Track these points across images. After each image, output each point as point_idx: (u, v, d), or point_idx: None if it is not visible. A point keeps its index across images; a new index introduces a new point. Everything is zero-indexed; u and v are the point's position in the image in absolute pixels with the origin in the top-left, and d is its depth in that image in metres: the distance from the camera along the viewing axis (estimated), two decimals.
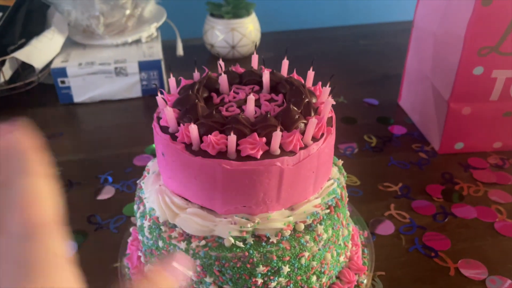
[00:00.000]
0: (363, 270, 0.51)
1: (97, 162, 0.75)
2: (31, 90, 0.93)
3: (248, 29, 1.07)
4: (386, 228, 0.60)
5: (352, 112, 0.89)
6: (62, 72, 0.88)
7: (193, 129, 0.40)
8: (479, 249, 0.57)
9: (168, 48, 1.07)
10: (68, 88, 0.90)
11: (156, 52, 0.95)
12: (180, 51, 1.06)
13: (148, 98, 0.95)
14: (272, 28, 1.27)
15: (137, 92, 0.94)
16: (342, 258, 0.50)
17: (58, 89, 0.90)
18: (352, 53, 1.16)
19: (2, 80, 0.85)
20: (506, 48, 0.65)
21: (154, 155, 0.76)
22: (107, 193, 0.67)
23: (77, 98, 0.92)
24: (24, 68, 0.90)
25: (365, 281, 0.51)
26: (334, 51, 1.17)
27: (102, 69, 0.89)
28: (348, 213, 0.51)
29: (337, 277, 0.50)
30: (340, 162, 0.53)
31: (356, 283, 0.51)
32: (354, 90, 0.96)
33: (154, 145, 0.78)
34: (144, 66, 0.91)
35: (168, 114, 0.42)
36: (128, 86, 0.92)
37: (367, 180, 0.69)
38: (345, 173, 0.52)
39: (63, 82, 0.89)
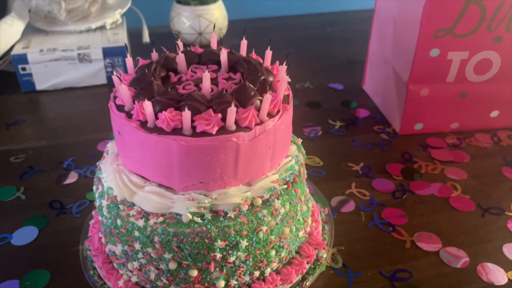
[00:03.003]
0: (322, 245, 0.53)
1: (60, 148, 0.74)
2: None
3: (215, 16, 1.07)
4: (347, 205, 0.62)
5: (317, 97, 0.90)
6: (23, 58, 0.86)
7: (148, 105, 0.40)
8: (434, 222, 0.59)
9: (134, 35, 1.06)
10: (30, 75, 0.88)
11: (121, 38, 0.94)
12: (146, 38, 1.05)
13: (113, 85, 0.93)
14: (240, 16, 1.27)
15: (102, 79, 0.93)
16: (301, 233, 0.51)
17: (19, 76, 0.88)
18: (318, 40, 1.18)
19: None
20: (461, 31, 0.67)
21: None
22: (70, 178, 0.67)
23: (39, 86, 0.90)
24: None
25: (324, 255, 0.53)
26: (300, 38, 1.18)
27: (65, 55, 0.88)
28: (307, 190, 0.53)
29: (297, 252, 0.51)
30: (300, 140, 0.54)
31: (315, 258, 0.52)
32: (320, 76, 0.98)
33: None
34: (109, 52, 0.90)
35: (123, 92, 0.42)
36: (93, 73, 0.91)
37: (330, 161, 0.71)
38: (304, 151, 0.53)
39: (24, 69, 0.87)
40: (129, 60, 0.49)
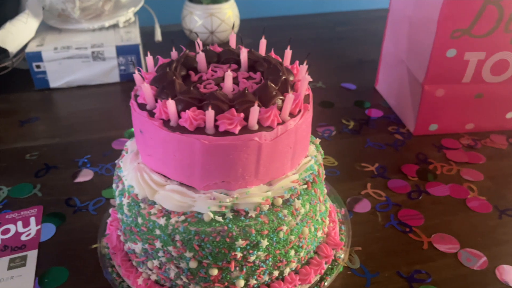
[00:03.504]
0: (340, 245, 0.53)
1: (75, 146, 0.74)
2: (5, 75, 0.91)
3: (227, 15, 1.07)
4: (363, 206, 0.62)
5: (330, 97, 0.90)
6: (37, 56, 0.87)
7: (171, 104, 0.40)
8: (451, 224, 0.59)
9: (147, 33, 1.06)
10: (44, 73, 0.89)
11: (134, 37, 0.94)
12: (158, 36, 1.05)
13: (126, 83, 0.94)
14: (251, 15, 1.27)
15: (115, 77, 0.93)
16: (319, 234, 0.51)
17: (33, 73, 0.88)
18: (329, 39, 1.17)
19: None
20: (478, 31, 0.66)
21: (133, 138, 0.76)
22: (85, 176, 0.67)
23: (53, 83, 0.90)
24: None
25: (342, 256, 0.53)
26: (311, 38, 1.18)
27: (79, 53, 0.88)
28: (325, 190, 0.52)
29: (315, 252, 0.51)
30: (318, 140, 0.54)
31: (333, 258, 0.52)
32: (332, 75, 0.98)
33: (133, 129, 0.78)
34: (122, 50, 0.90)
35: (145, 90, 0.42)
36: (106, 71, 0.91)
37: (344, 161, 0.71)
38: (322, 151, 0.53)
39: (38, 66, 0.88)
40: (149, 59, 0.49)
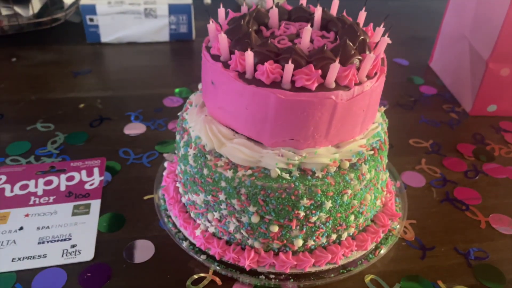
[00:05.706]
0: (397, 216, 0.52)
1: (127, 100, 0.75)
2: (57, 27, 0.91)
3: None
4: (418, 180, 0.60)
5: None
6: (91, 9, 0.87)
7: (249, 56, 0.39)
8: (510, 206, 0.57)
9: None
10: (96, 26, 0.89)
11: None
12: None
13: (175, 43, 0.93)
14: None
15: (164, 36, 0.92)
16: (378, 202, 0.50)
17: (86, 27, 0.89)
18: (380, 13, 1.13)
19: (31, 13, 0.84)
20: None
21: (184, 98, 0.76)
22: (138, 129, 0.67)
23: (104, 38, 0.90)
24: (52, 4, 0.88)
25: (397, 227, 0.52)
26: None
27: (132, 9, 0.88)
28: (386, 160, 0.51)
29: (372, 220, 0.51)
30: (383, 108, 0.52)
31: (389, 228, 0.51)
32: (385, 49, 0.95)
33: (178, 89, 0.78)
34: (174, 9, 0.90)
35: (221, 41, 0.42)
36: (156, 29, 0.91)
37: (398, 135, 0.69)
38: (387, 120, 0.51)
39: (91, 20, 0.88)
40: (221, 11, 0.48)
